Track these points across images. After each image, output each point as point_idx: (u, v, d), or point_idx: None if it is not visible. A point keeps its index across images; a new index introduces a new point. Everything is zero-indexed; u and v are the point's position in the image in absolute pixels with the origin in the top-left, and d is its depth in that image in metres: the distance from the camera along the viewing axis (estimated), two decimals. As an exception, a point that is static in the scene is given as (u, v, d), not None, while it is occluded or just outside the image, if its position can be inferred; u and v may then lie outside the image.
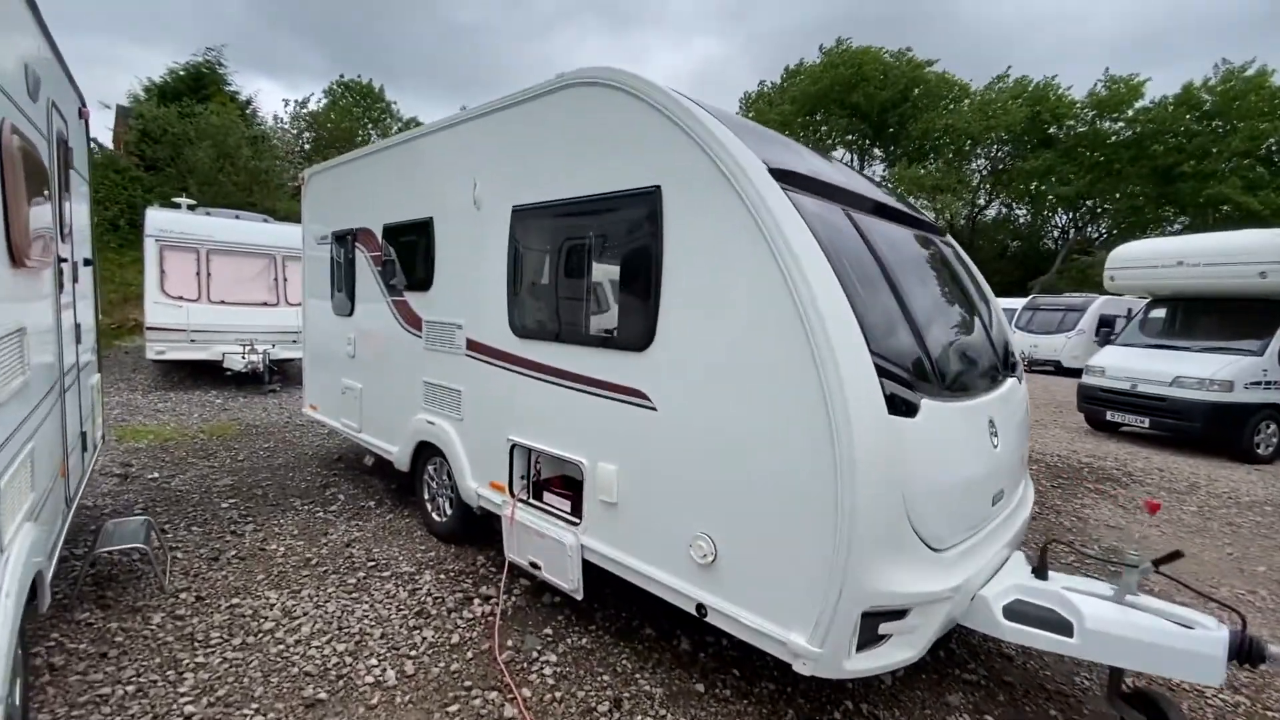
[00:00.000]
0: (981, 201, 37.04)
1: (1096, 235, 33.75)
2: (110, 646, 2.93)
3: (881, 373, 2.27)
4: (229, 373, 9.39)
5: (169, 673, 2.77)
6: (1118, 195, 30.14)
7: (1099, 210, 33.10)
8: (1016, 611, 2.68)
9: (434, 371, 4.22)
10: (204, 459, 6.07)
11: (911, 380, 2.45)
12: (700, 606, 2.61)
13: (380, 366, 4.91)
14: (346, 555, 4.05)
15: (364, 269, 5.02)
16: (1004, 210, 38.15)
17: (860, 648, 2.30)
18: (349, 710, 2.59)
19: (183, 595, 3.43)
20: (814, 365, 2.18)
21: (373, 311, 4.91)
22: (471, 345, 3.85)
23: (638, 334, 2.82)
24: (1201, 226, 25.73)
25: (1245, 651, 2.40)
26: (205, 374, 10.08)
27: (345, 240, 5.26)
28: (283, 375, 10.27)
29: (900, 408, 2.31)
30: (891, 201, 3.48)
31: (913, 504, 2.33)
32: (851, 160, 36.69)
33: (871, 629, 2.30)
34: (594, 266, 3.10)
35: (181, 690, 2.65)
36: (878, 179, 36.70)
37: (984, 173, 35.89)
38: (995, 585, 2.76)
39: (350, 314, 5.25)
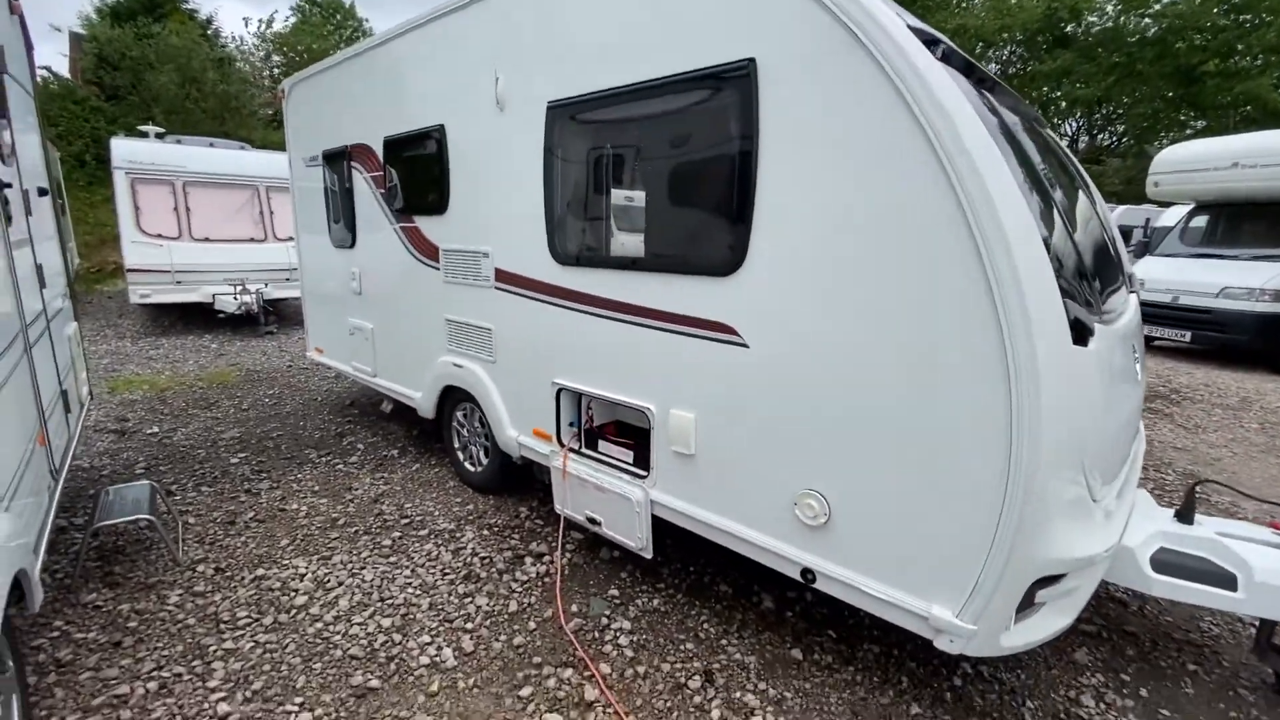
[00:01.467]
0: (991, 110, 35.37)
1: (1109, 142, 32.41)
2: (124, 634, 2.58)
3: (1063, 292, 1.80)
4: (221, 315, 8.83)
5: (195, 663, 2.42)
6: (1136, 94, 28.64)
7: (1113, 115, 31.61)
8: (1164, 563, 2.34)
9: (458, 308, 3.71)
10: (205, 409, 5.63)
11: (1084, 301, 1.98)
12: (807, 572, 2.25)
13: (393, 304, 4.39)
14: (376, 512, 3.68)
15: (364, 192, 4.40)
16: (1014, 119, 36.55)
17: (1019, 617, 1.94)
18: (406, 699, 2.26)
19: (200, 568, 3.07)
20: (987, 285, 1.70)
21: (378, 241, 4.34)
22: (502, 276, 3.33)
23: (722, 256, 2.31)
24: (1221, 130, 24.49)
25: None
26: (197, 317, 9.50)
27: (339, 160, 4.60)
28: (279, 316, 9.71)
29: (1079, 335, 1.85)
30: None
31: (1089, 451, 1.91)
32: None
33: (1029, 598, 1.94)
34: (661, 173, 2.55)
35: (212, 685, 2.31)
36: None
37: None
38: (1136, 533, 2.41)
39: (352, 245, 4.67)
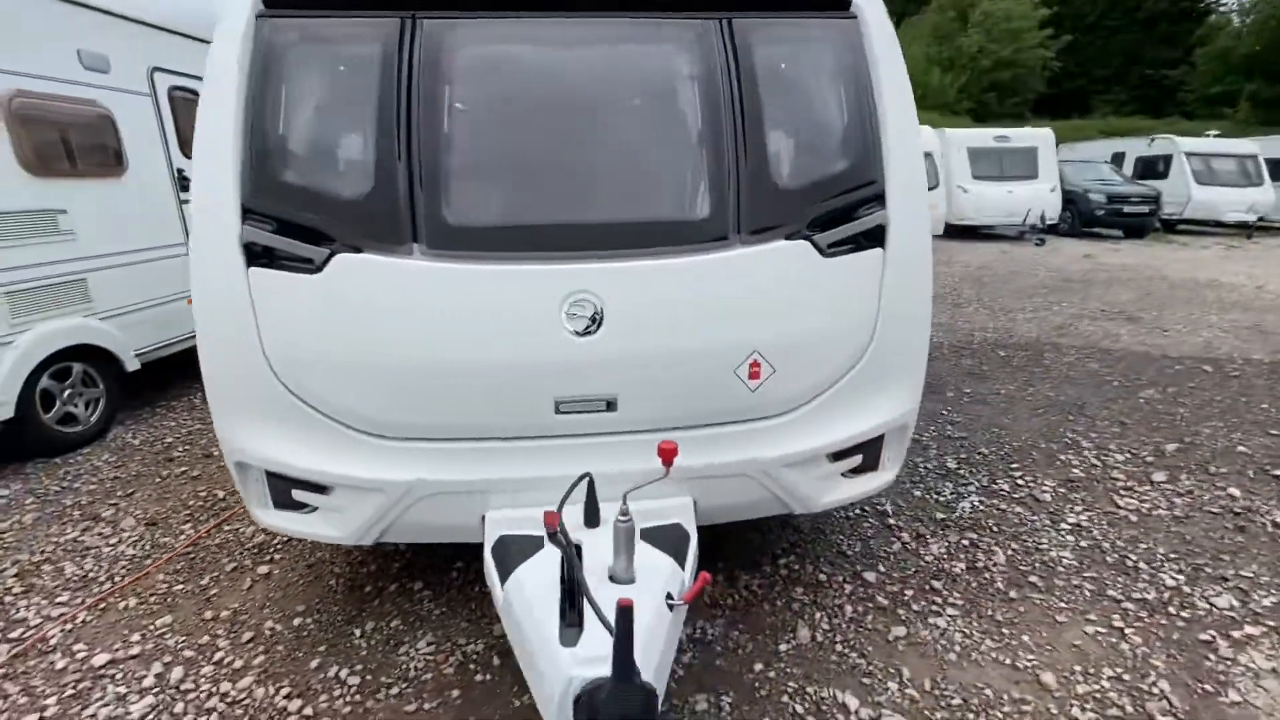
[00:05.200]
0: None
1: None
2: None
3: (261, 219, 2.01)
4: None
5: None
6: None
7: None
8: (510, 548, 2.05)
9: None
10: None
11: (327, 229, 2.01)
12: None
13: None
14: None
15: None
16: None
17: (281, 507, 2.25)
18: (212, 464, 3.86)
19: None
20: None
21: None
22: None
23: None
24: None
25: (587, 706, 1.39)
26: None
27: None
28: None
29: (284, 260, 2.01)
30: None
31: (306, 372, 2.05)
32: None
33: (284, 492, 2.21)
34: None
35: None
36: None
37: None
38: (527, 513, 2.12)
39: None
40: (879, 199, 2.22)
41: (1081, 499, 3.28)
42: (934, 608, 2.46)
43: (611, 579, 1.77)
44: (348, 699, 2.06)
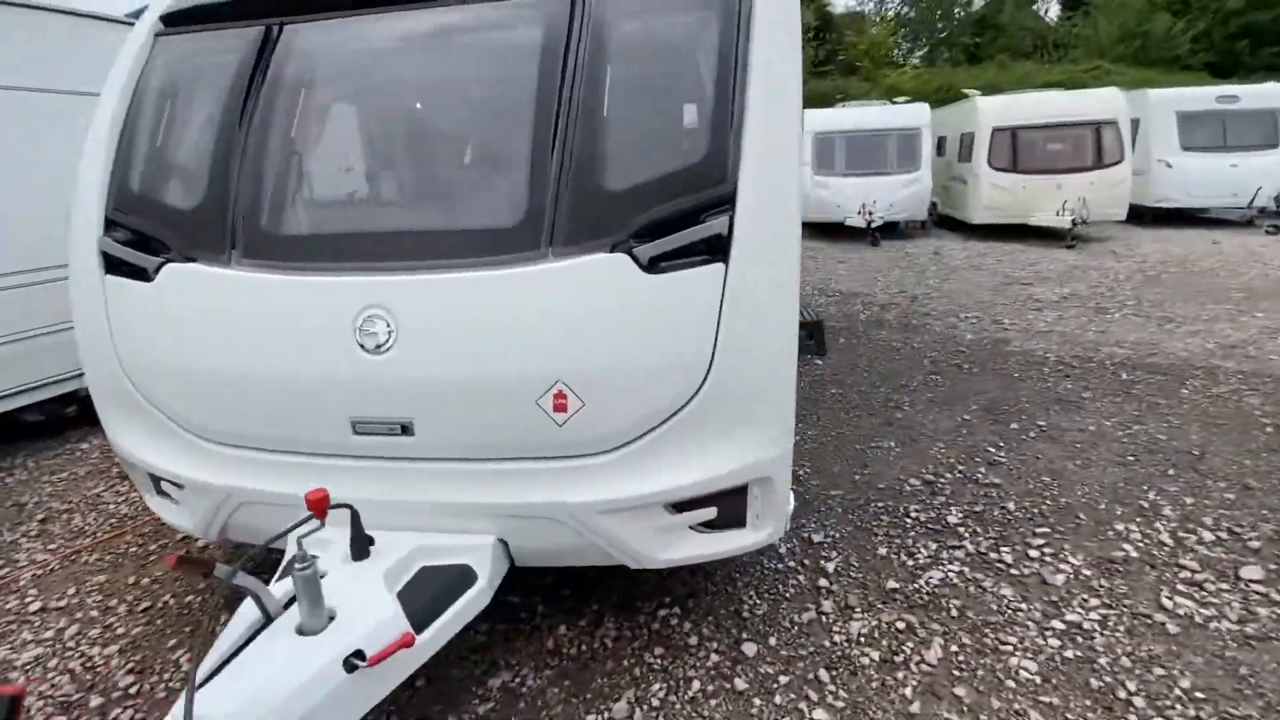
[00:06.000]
0: None
1: None
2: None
3: (119, 229, 2.15)
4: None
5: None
6: None
7: None
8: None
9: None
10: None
11: (167, 239, 2.07)
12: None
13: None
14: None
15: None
16: None
17: (159, 495, 2.42)
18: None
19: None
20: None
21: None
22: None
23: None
24: None
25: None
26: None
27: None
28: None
29: (128, 269, 2.13)
30: None
31: (146, 375, 2.16)
32: None
33: (157, 483, 2.38)
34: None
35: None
36: None
37: None
38: (321, 534, 2.07)
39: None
40: (726, 202, 1.80)
41: (1109, 590, 2.47)
42: (801, 705, 2.00)
43: (299, 631, 1.65)
44: (168, 684, 2.18)
